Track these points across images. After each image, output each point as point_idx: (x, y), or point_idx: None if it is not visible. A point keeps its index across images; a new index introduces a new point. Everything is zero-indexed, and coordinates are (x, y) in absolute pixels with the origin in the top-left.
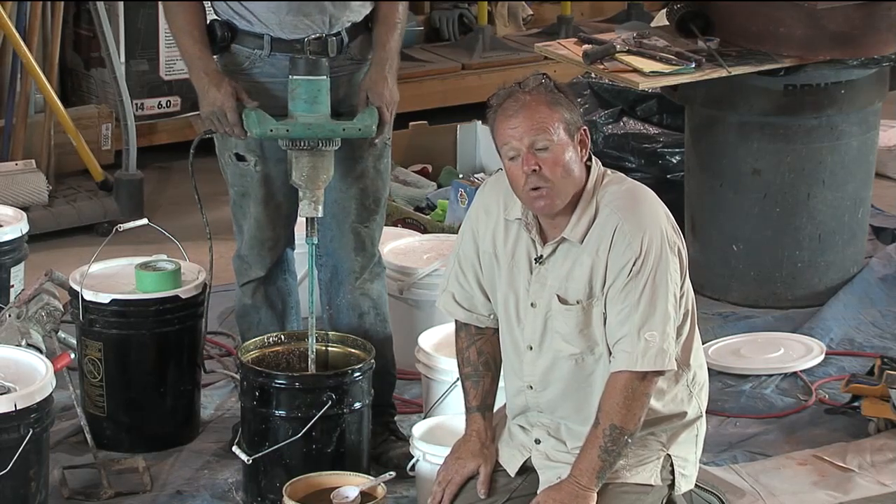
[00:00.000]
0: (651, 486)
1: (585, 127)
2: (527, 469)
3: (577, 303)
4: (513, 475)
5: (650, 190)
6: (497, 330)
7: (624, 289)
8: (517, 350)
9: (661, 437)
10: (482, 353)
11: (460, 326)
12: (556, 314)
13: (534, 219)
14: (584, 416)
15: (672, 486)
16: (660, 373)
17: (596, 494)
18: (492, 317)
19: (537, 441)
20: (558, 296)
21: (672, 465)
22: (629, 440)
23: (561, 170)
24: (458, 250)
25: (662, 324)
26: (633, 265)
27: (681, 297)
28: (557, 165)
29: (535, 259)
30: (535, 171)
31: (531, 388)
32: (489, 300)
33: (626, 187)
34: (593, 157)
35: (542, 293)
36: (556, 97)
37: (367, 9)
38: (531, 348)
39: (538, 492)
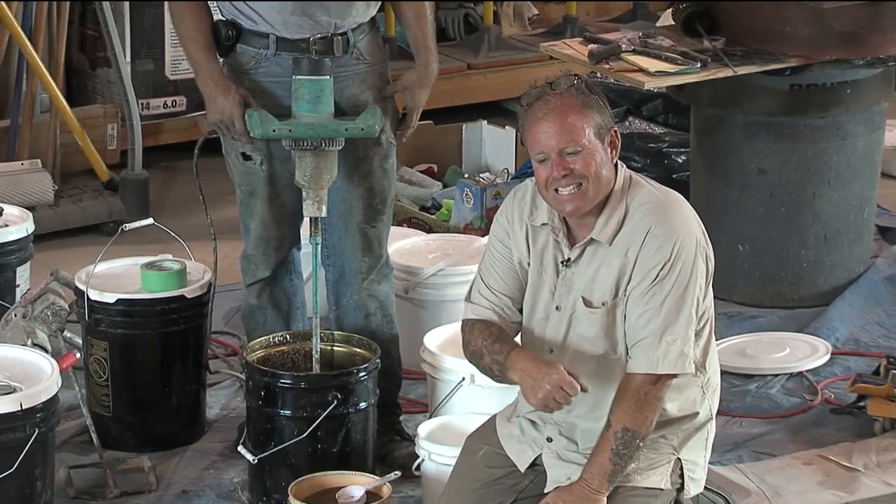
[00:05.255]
0: (661, 489)
1: (616, 128)
2: (535, 466)
3: (603, 305)
4: (523, 470)
5: (679, 195)
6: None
7: (648, 291)
8: (536, 354)
9: (672, 441)
10: (488, 331)
11: (465, 326)
12: (581, 317)
13: (560, 222)
14: (598, 414)
15: (681, 489)
16: (673, 376)
17: (606, 498)
18: (514, 322)
19: (549, 439)
20: (583, 298)
21: (682, 468)
22: (640, 444)
23: (593, 169)
24: (484, 258)
25: (685, 327)
26: (661, 269)
27: (703, 299)
28: (589, 166)
29: (563, 262)
30: (565, 175)
31: None
32: (514, 304)
33: (658, 191)
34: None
35: (568, 296)
36: (587, 100)
37: (373, 9)
38: (551, 352)
39: (545, 490)
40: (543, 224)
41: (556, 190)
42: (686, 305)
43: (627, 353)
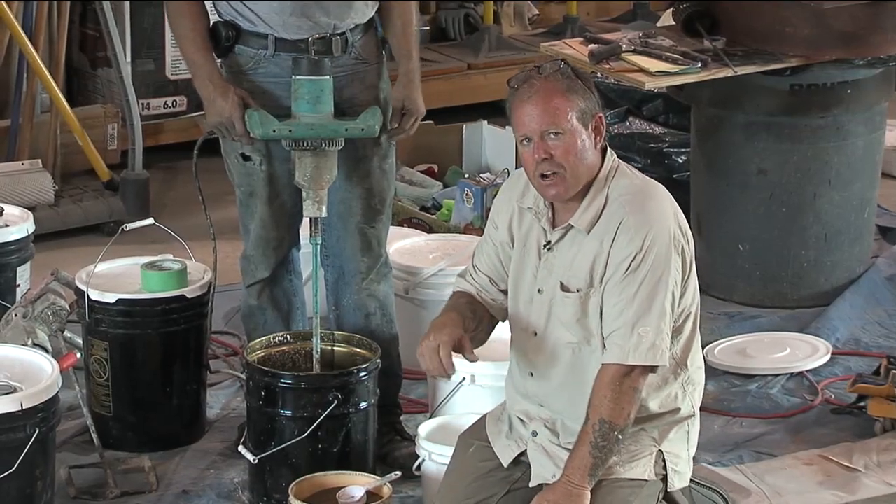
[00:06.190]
0: (645, 480)
1: (601, 114)
2: (523, 462)
3: (577, 291)
4: (505, 465)
5: (662, 187)
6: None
7: (621, 282)
8: (521, 336)
9: (652, 433)
10: (457, 300)
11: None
12: (559, 301)
13: (545, 207)
14: (579, 413)
15: (665, 481)
16: (649, 368)
17: (590, 493)
18: (494, 299)
19: (534, 433)
20: (561, 283)
21: (664, 460)
22: (619, 436)
23: (573, 157)
24: (482, 242)
25: (657, 320)
26: (633, 260)
27: (681, 295)
28: (569, 153)
29: (545, 245)
30: (545, 158)
31: (531, 375)
32: (491, 283)
33: (638, 182)
34: (608, 147)
35: (549, 280)
36: (572, 84)
37: (371, 10)
38: (535, 334)
39: (530, 484)
40: (529, 207)
41: (542, 175)
42: (659, 298)
43: (604, 347)
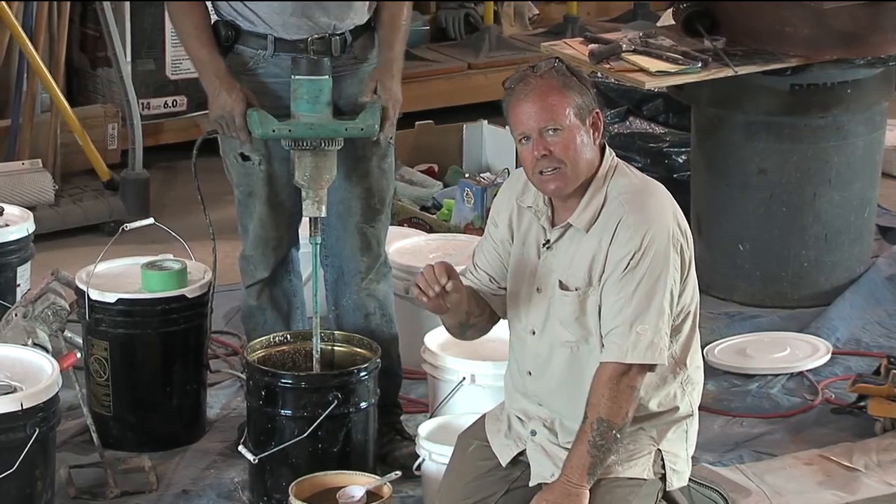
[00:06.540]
0: (644, 479)
1: (598, 110)
2: (522, 461)
3: (576, 290)
4: (504, 465)
5: (661, 186)
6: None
7: (620, 281)
8: (520, 335)
9: (650, 433)
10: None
11: None
12: (557, 299)
13: (545, 205)
14: (577, 412)
15: (664, 480)
16: (647, 367)
17: (588, 491)
18: (496, 294)
19: (533, 433)
20: (560, 281)
21: (663, 460)
22: (618, 435)
23: (572, 152)
24: (482, 240)
25: (656, 318)
26: (632, 259)
27: (680, 294)
28: (568, 149)
29: (544, 244)
30: (545, 155)
31: (530, 374)
32: (491, 281)
33: (637, 181)
34: (607, 146)
35: (548, 278)
36: (567, 81)
37: (370, 10)
38: (533, 333)
39: (529, 483)
40: (529, 206)
41: (541, 172)
42: (657, 296)
43: (602, 345)
